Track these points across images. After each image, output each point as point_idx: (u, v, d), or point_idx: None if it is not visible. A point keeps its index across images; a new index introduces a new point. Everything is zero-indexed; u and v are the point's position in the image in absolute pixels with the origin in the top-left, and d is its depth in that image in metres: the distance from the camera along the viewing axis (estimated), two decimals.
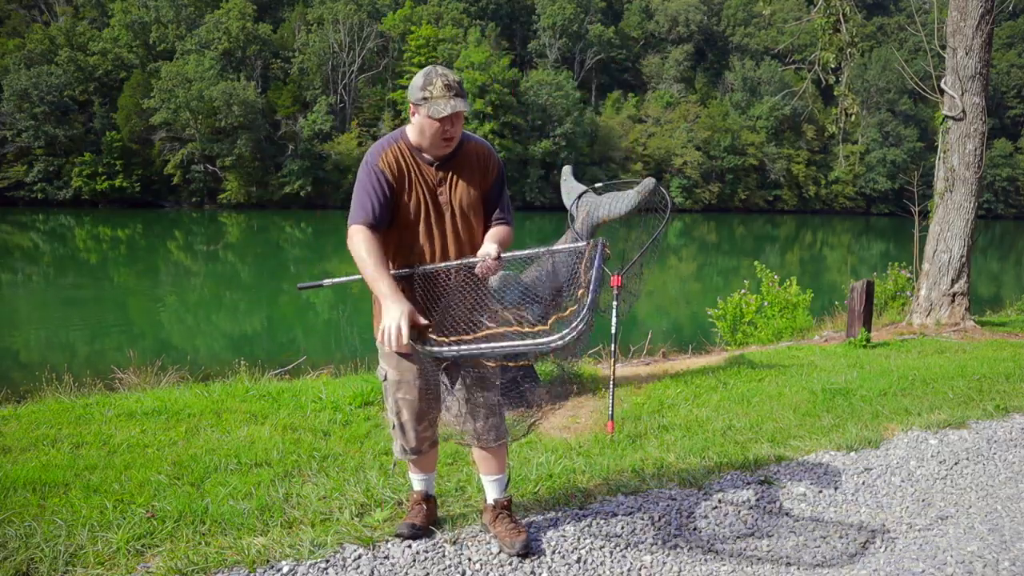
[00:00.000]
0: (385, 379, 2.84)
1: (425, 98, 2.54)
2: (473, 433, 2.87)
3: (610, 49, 66.87)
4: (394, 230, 2.69)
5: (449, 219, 2.70)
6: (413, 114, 2.62)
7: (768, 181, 67.09)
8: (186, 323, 15.46)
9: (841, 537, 3.18)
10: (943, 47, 9.34)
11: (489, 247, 2.64)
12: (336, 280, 2.86)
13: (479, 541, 2.95)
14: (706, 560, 2.95)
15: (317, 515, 3.07)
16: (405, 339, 2.38)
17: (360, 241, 2.54)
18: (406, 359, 2.78)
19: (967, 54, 8.83)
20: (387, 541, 2.90)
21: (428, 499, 3.04)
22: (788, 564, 2.95)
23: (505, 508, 2.96)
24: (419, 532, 2.93)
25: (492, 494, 2.97)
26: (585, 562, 2.88)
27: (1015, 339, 8.50)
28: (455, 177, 2.71)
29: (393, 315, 2.40)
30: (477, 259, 2.63)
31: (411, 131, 2.68)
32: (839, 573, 2.89)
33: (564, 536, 3.04)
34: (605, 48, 66.14)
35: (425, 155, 2.69)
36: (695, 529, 3.20)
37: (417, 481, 3.03)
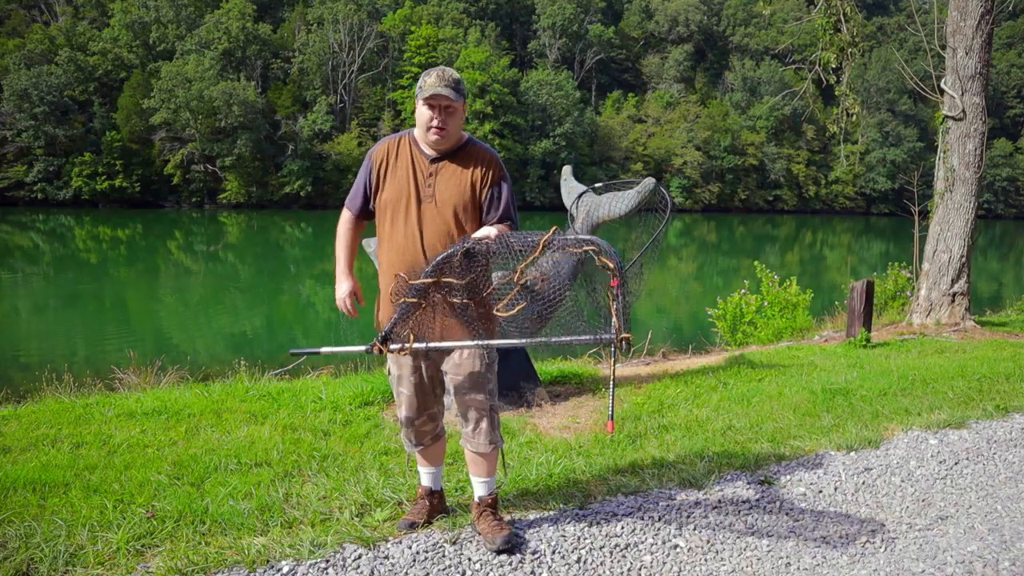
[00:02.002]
0: (390, 374, 2.95)
1: (420, 86, 2.71)
2: (465, 436, 2.90)
3: (610, 49, 66.89)
4: (379, 216, 2.86)
5: (431, 211, 2.75)
6: (416, 106, 2.78)
7: (768, 181, 67.10)
8: (186, 323, 15.46)
9: (841, 537, 3.18)
10: (943, 47, 9.34)
11: (488, 230, 2.68)
12: (335, 349, 2.87)
13: (479, 541, 2.95)
14: (706, 560, 2.96)
15: (317, 515, 3.07)
16: (347, 311, 2.86)
17: (341, 223, 2.96)
18: (404, 355, 2.83)
19: (967, 54, 8.83)
20: (387, 541, 2.90)
21: (432, 494, 3.07)
22: (788, 564, 2.95)
23: (490, 506, 2.98)
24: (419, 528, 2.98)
25: (478, 492, 3.00)
26: (585, 562, 2.88)
27: (1015, 339, 8.50)
28: (449, 172, 2.79)
29: (340, 292, 2.92)
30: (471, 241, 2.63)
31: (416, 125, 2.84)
32: (839, 573, 2.89)
33: (564, 536, 3.04)
34: (605, 48, 66.16)
35: (425, 149, 2.81)
36: (695, 529, 3.19)
37: (424, 474, 3.07)
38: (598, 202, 4.92)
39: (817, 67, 10.12)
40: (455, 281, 2.53)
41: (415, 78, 56.23)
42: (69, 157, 47.01)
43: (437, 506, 3.08)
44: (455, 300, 2.55)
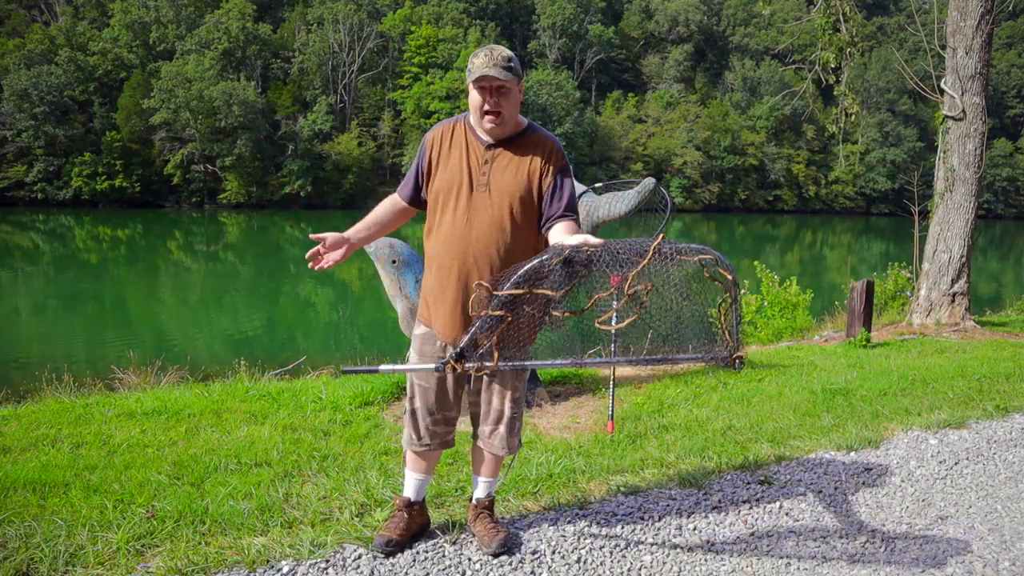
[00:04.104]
0: (408, 361, 2.81)
1: (469, 69, 2.53)
2: (481, 434, 2.86)
3: (610, 49, 66.90)
4: (431, 204, 2.70)
5: (484, 200, 2.58)
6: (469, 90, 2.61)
7: (768, 181, 67.12)
8: (186, 323, 15.46)
9: (841, 537, 3.18)
10: (943, 47, 9.34)
11: (586, 236, 2.37)
12: (396, 368, 2.54)
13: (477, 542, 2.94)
14: (706, 560, 2.95)
15: (317, 515, 3.07)
16: (312, 253, 2.69)
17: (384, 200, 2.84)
18: (429, 344, 2.71)
19: (967, 54, 8.83)
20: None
21: (411, 505, 2.88)
22: (788, 564, 2.95)
23: (487, 508, 2.94)
24: (394, 549, 2.78)
25: (477, 493, 2.96)
26: (585, 562, 2.88)
27: (1015, 339, 8.50)
28: (505, 160, 2.61)
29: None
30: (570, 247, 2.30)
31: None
32: (839, 573, 2.89)
33: (564, 536, 3.04)
34: (605, 48, 66.16)
35: (481, 135, 2.63)
36: (695, 529, 3.19)
37: (410, 480, 2.88)
38: (598, 202, 4.92)
39: (817, 67, 10.12)
40: (551, 293, 2.24)
41: (415, 78, 56.32)
42: (69, 157, 47.01)
43: (416, 518, 2.89)
44: (556, 314, 2.29)
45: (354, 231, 2.76)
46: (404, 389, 4.79)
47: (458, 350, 2.32)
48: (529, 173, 2.60)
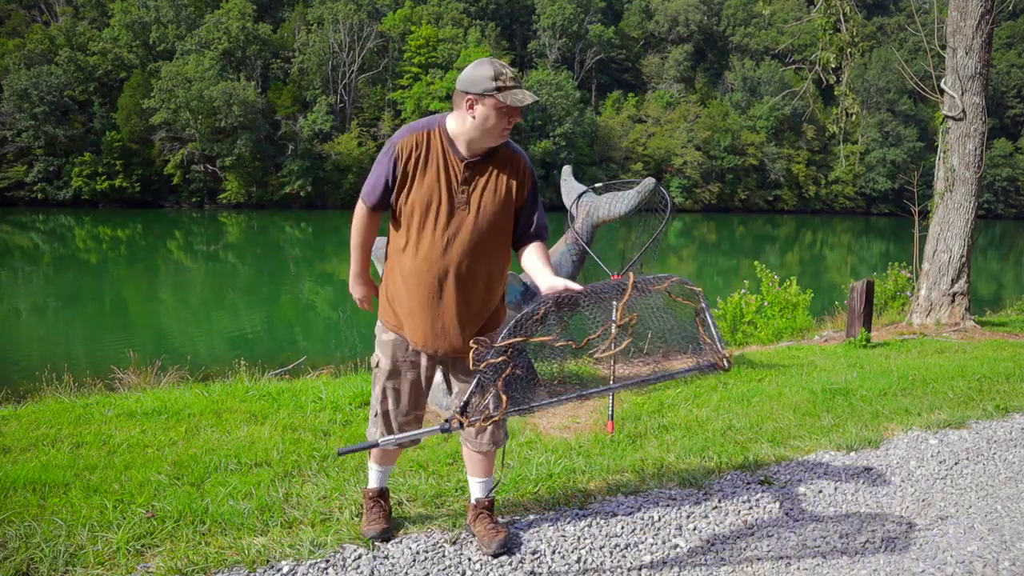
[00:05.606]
0: (377, 366, 2.81)
1: (499, 88, 2.43)
2: (467, 435, 2.87)
3: (610, 49, 66.91)
4: (404, 218, 2.63)
5: (464, 219, 2.57)
6: (472, 106, 2.47)
7: (768, 181, 67.13)
8: (186, 323, 15.47)
9: (841, 537, 3.18)
10: (943, 47, 9.34)
11: (563, 281, 2.46)
12: (397, 438, 2.62)
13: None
14: (706, 560, 2.95)
15: (317, 515, 3.07)
16: (363, 305, 2.89)
17: (357, 218, 2.72)
18: (401, 351, 2.76)
19: (967, 54, 8.83)
20: (387, 541, 2.90)
21: (382, 494, 3.01)
22: (788, 564, 2.95)
23: (486, 508, 2.95)
24: (390, 534, 2.91)
25: (476, 494, 2.97)
26: (585, 562, 2.88)
27: (1015, 339, 8.50)
28: (484, 180, 2.58)
29: (357, 295, 2.88)
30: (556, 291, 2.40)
31: (456, 122, 2.55)
32: (839, 573, 2.89)
33: (564, 536, 3.04)
34: (605, 48, 66.16)
35: (459, 149, 2.56)
36: (695, 529, 3.20)
37: (375, 474, 2.99)
38: (598, 202, 4.93)
39: (817, 67, 10.12)
40: (549, 339, 2.34)
41: (415, 78, 56.29)
42: (69, 157, 46.99)
43: (387, 504, 3.02)
44: (558, 344, 2.38)
45: (365, 271, 2.85)
46: None
47: (462, 405, 2.39)
48: (508, 190, 2.62)
